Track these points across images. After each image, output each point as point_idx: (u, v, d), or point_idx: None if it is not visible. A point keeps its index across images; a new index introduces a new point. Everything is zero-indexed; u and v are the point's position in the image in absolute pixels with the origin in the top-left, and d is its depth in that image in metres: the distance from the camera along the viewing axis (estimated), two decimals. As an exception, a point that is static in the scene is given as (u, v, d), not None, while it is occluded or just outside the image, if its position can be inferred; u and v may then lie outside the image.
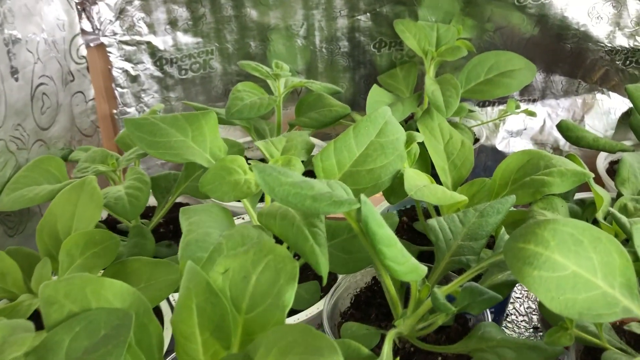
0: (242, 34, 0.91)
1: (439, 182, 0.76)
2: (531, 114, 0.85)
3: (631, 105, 0.96)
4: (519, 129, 0.99)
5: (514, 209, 0.69)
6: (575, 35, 0.89)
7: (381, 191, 0.64)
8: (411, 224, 0.81)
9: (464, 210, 0.62)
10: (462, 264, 0.58)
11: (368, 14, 0.90)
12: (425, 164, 0.77)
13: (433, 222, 0.60)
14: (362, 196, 0.47)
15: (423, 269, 0.50)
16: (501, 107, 0.98)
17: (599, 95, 0.96)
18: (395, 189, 0.65)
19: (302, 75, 0.96)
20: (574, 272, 0.46)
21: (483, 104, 0.99)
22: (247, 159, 0.96)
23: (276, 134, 0.84)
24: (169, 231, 0.82)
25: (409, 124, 0.87)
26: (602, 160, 0.90)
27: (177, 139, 0.63)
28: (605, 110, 0.97)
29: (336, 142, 0.63)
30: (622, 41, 0.89)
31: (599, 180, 0.87)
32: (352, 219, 0.51)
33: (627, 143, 0.96)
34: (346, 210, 0.46)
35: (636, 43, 0.89)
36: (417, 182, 0.64)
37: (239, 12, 0.89)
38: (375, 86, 0.80)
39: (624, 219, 0.65)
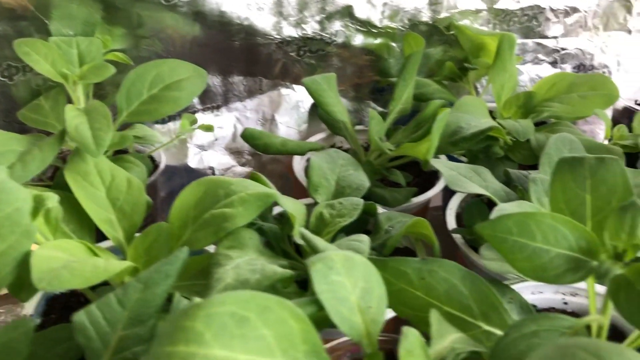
0: None
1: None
2: (208, 128, 0.74)
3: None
4: (210, 141, 0.88)
5: (197, 256, 0.58)
6: (240, 31, 0.80)
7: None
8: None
9: (124, 285, 0.48)
10: (130, 363, 0.45)
11: (-21, 36, 0.69)
12: (88, 224, 0.61)
13: (81, 317, 0.45)
14: None
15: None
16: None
17: (284, 90, 0.89)
18: (23, 280, 0.48)
19: None
20: (244, 362, 0.35)
21: (162, 121, 0.86)
22: None
23: None
24: None
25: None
26: (299, 161, 0.83)
27: None
28: (293, 104, 0.91)
29: None
30: (289, 31, 0.82)
31: (299, 185, 0.80)
32: None
33: (322, 135, 0.91)
34: None
35: (304, 32, 0.83)
36: (52, 264, 0.47)
37: None
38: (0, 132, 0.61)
39: (315, 240, 0.57)
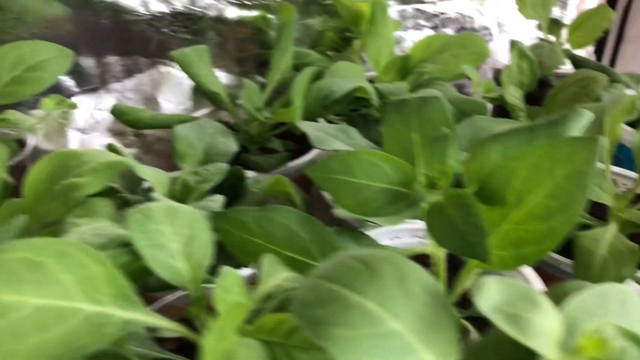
0: None
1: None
2: (72, 105, 0.74)
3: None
4: (91, 124, 0.87)
5: (49, 228, 0.58)
6: (106, 9, 0.79)
7: None
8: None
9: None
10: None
11: None
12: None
13: None
14: None
15: None
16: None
17: (163, 68, 0.89)
18: None
19: None
20: (37, 307, 0.35)
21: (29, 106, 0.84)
22: None
23: None
24: None
25: None
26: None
27: None
28: (175, 82, 0.90)
29: None
30: (158, 7, 0.82)
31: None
32: None
33: (206, 110, 0.92)
34: None
35: (173, 7, 0.83)
36: None
37: None
38: None
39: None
